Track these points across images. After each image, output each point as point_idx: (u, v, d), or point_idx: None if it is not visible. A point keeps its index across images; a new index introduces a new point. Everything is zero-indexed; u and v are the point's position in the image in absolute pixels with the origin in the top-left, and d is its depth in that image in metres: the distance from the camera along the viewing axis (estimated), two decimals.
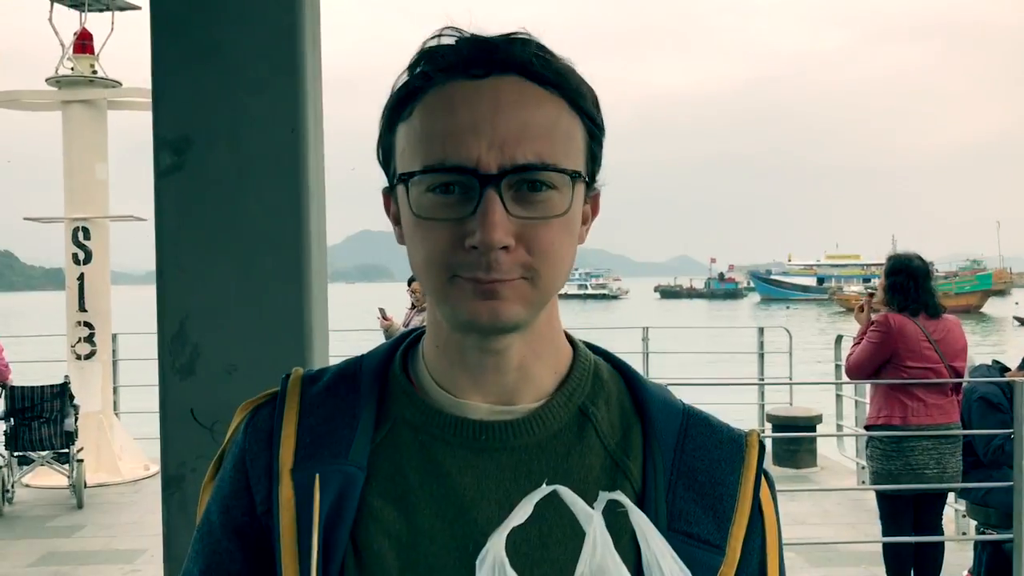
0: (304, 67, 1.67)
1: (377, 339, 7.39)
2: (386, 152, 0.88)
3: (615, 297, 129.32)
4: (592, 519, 0.74)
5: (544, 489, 0.75)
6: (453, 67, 0.82)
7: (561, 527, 0.84)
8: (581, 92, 0.85)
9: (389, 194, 0.90)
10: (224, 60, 1.67)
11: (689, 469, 0.89)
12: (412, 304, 7.73)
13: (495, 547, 0.72)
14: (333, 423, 0.90)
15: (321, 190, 1.75)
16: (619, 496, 0.75)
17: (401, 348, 0.96)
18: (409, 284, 7.64)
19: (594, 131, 0.87)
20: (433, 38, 0.86)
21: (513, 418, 0.89)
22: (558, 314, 0.92)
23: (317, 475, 0.86)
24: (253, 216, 1.69)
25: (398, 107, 0.85)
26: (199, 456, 1.67)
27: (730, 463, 0.91)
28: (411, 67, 0.85)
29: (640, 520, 0.76)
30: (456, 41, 0.84)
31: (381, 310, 7.70)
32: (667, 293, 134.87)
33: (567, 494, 0.75)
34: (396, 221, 0.89)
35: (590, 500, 0.75)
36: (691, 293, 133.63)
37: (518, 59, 0.82)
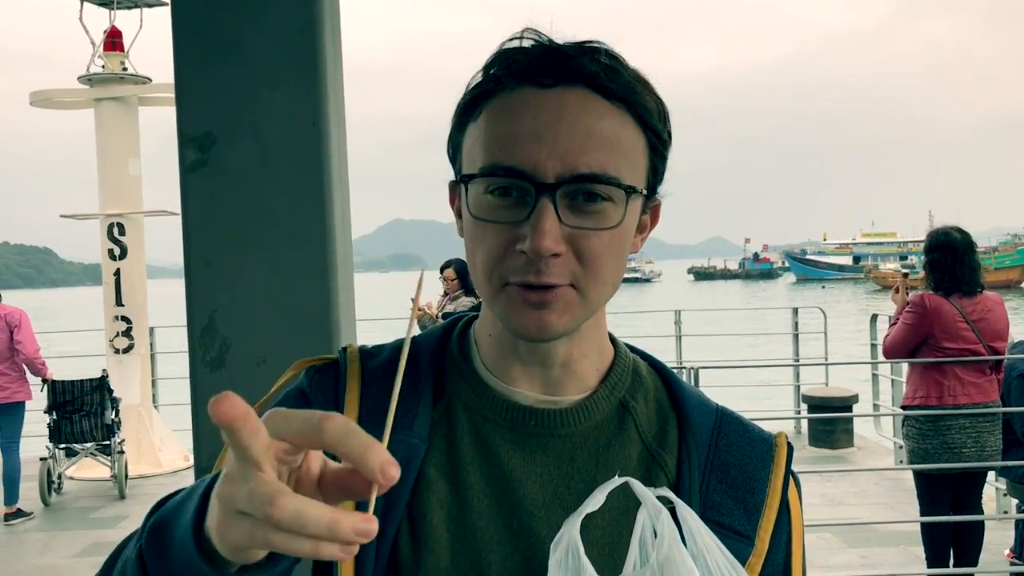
0: (324, 61, 1.68)
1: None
2: (455, 149, 0.91)
3: (647, 280, 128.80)
4: (661, 513, 0.77)
5: (616, 480, 0.79)
6: (523, 73, 0.85)
7: (602, 511, 0.87)
8: (647, 106, 0.87)
9: (454, 189, 0.94)
10: (245, 56, 1.69)
11: (722, 464, 0.94)
12: (444, 291, 7.74)
13: (570, 532, 0.76)
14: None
15: (344, 182, 1.76)
16: (667, 492, 0.80)
17: (456, 332, 1.00)
18: (441, 271, 7.65)
19: (657, 145, 0.89)
20: (512, 40, 0.88)
21: (560, 407, 0.93)
22: (604, 318, 0.96)
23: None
24: (278, 210, 1.70)
25: (468, 108, 0.88)
26: None
27: (761, 460, 0.96)
28: (485, 68, 0.88)
29: (688, 515, 0.79)
30: (531, 46, 0.86)
31: (413, 300, 7.71)
32: (701, 275, 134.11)
33: (638, 487, 0.78)
34: (459, 215, 0.93)
35: (627, 488, 0.79)
36: (725, 274, 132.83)
37: (586, 71, 0.84)
